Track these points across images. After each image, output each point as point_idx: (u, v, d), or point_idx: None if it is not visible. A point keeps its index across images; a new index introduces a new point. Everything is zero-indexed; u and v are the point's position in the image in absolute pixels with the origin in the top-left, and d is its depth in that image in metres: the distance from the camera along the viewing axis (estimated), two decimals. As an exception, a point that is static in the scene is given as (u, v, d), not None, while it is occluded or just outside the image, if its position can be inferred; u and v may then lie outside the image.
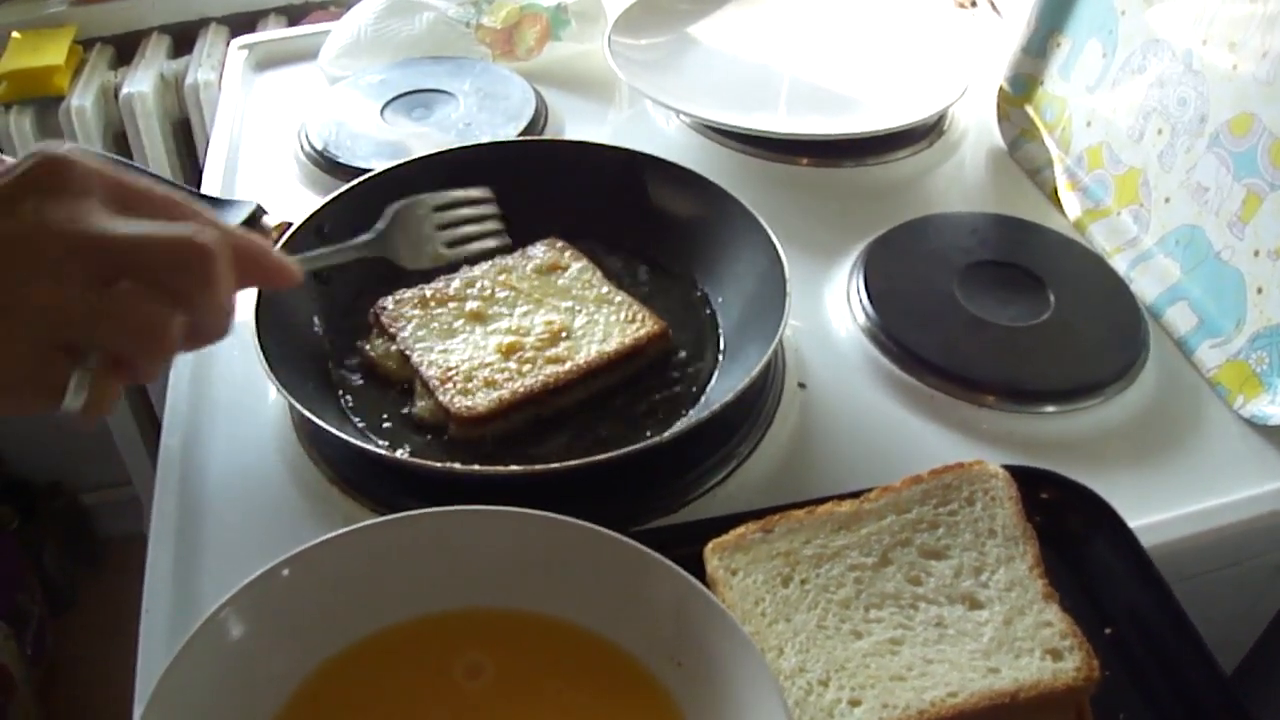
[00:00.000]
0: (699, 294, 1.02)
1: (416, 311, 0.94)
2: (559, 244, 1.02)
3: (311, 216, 0.99)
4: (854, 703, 0.65)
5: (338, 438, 0.81)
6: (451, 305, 0.95)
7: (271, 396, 0.95)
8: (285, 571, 0.65)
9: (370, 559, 0.67)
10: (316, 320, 0.96)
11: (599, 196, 1.06)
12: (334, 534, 0.67)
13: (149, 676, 0.74)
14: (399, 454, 0.86)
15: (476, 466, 0.81)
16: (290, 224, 0.98)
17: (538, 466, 0.80)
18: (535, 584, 0.68)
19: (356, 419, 0.90)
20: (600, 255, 1.03)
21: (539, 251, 1.02)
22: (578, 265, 1.00)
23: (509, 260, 1.01)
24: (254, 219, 0.98)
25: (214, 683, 0.61)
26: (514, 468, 0.79)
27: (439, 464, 0.82)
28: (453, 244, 0.91)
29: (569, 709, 0.65)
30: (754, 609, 0.70)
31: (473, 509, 0.68)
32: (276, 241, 0.95)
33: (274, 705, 0.64)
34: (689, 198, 1.03)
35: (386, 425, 0.90)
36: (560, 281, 0.99)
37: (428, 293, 0.96)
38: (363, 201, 1.01)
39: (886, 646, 0.67)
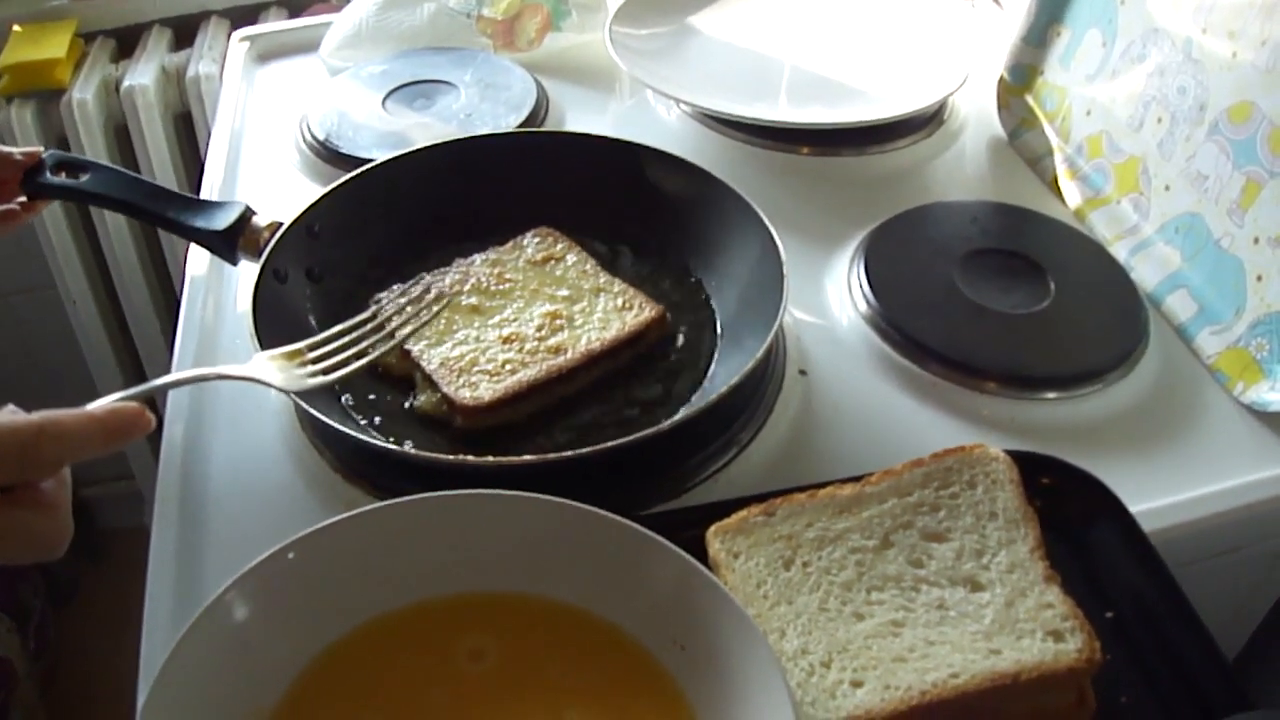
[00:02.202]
0: (694, 280, 1.02)
1: (412, 306, 0.94)
2: (551, 234, 1.03)
3: (301, 216, 0.98)
4: (856, 684, 0.65)
5: (347, 434, 0.81)
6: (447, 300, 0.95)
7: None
8: (291, 555, 0.65)
9: (374, 543, 0.68)
10: (312, 319, 0.96)
11: (594, 186, 1.06)
12: (339, 518, 0.67)
13: (152, 662, 0.74)
14: (406, 447, 0.86)
15: (490, 458, 0.80)
16: (280, 224, 0.97)
17: (550, 455, 0.80)
18: (538, 568, 0.68)
19: (358, 416, 0.90)
20: (597, 244, 1.04)
21: (532, 242, 1.02)
22: (572, 256, 1.01)
23: (501, 253, 1.01)
24: (243, 220, 0.97)
25: (219, 664, 0.62)
26: (527, 457, 0.80)
27: (451, 457, 0.83)
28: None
29: (572, 692, 0.66)
30: (756, 591, 0.70)
31: (475, 493, 0.69)
32: (268, 241, 0.95)
33: (278, 687, 0.64)
34: (684, 186, 1.03)
35: (381, 420, 0.90)
36: (557, 272, 0.99)
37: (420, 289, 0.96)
38: (351, 198, 1.02)
39: (888, 628, 0.68)
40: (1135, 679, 0.70)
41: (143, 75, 1.79)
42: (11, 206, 0.99)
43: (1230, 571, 0.89)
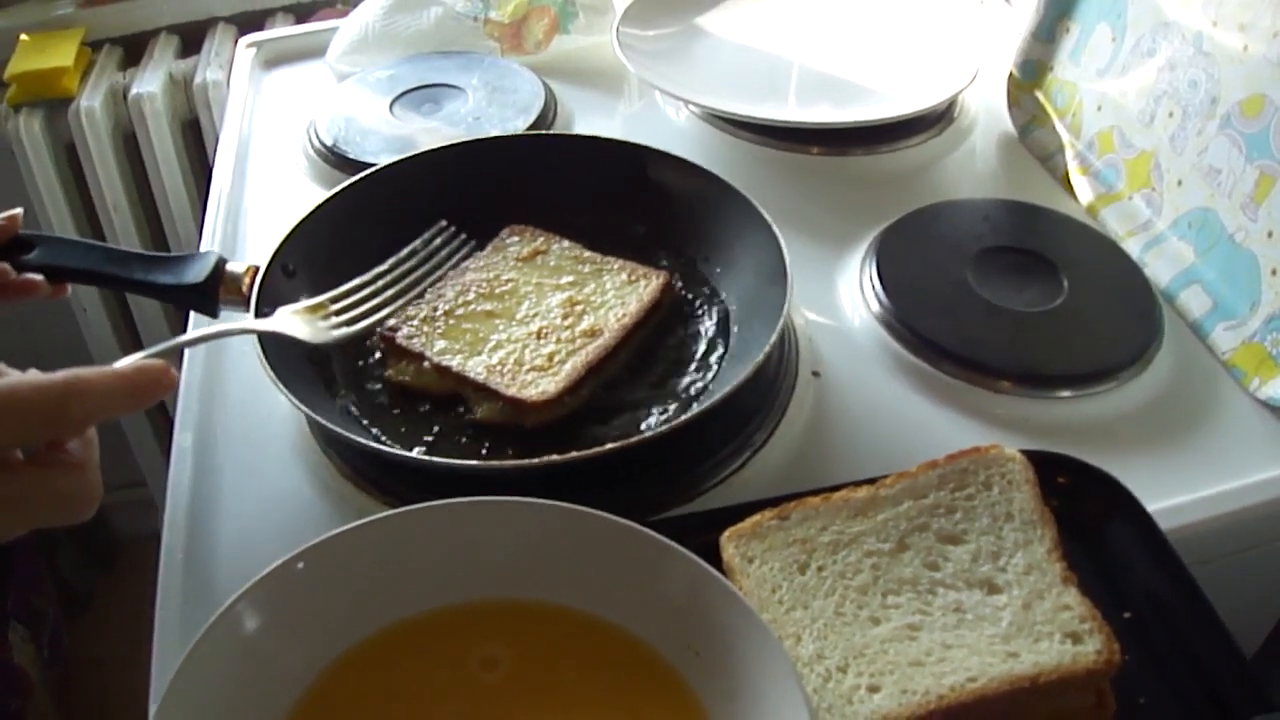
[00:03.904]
0: (703, 280, 1.01)
1: (428, 328, 0.93)
2: (525, 230, 1.03)
3: (274, 256, 0.94)
4: (873, 689, 0.64)
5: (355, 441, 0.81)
6: (460, 312, 0.94)
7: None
8: (300, 564, 0.65)
9: (386, 551, 0.67)
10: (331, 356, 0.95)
11: (593, 189, 1.06)
12: (349, 526, 0.67)
13: (164, 672, 0.74)
14: (417, 453, 0.86)
15: (509, 461, 0.80)
16: (257, 268, 0.92)
17: (563, 456, 0.79)
18: (551, 574, 0.68)
19: (415, 438, 0.89)
20: (601, 244, 1.03)
21: (512, 240, 1.02)
22: (556, 245, 1.01)
23: (486, 258, 1.00)
24: (219, 270, 0.92)
25: (229, 676, 0.61)
26: (550, 458, 0.80)
27: (463, 461, 0.83)
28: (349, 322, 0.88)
29: (586, 699, 0.65)
30: (771, 596, 0.70)
31: (487, 500, 0.68)
32: (251, 290, 0.91)
33: (290, 698, 0.64)
34: (688, 186, 1.02)
35: (438, 435, 0.89)
36: (550, 263, 0.99)
37: (429, 309, 0.95)
38: (320, 233, 0.99)
39: (905, 632, 0.67)
40: (1154, 679, 0.70)
41: (150, 83, 1.79)
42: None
43: (1248, 569, 0.88)
